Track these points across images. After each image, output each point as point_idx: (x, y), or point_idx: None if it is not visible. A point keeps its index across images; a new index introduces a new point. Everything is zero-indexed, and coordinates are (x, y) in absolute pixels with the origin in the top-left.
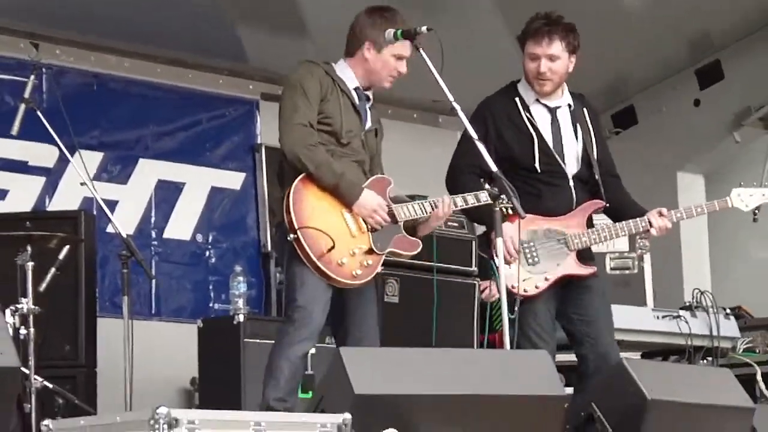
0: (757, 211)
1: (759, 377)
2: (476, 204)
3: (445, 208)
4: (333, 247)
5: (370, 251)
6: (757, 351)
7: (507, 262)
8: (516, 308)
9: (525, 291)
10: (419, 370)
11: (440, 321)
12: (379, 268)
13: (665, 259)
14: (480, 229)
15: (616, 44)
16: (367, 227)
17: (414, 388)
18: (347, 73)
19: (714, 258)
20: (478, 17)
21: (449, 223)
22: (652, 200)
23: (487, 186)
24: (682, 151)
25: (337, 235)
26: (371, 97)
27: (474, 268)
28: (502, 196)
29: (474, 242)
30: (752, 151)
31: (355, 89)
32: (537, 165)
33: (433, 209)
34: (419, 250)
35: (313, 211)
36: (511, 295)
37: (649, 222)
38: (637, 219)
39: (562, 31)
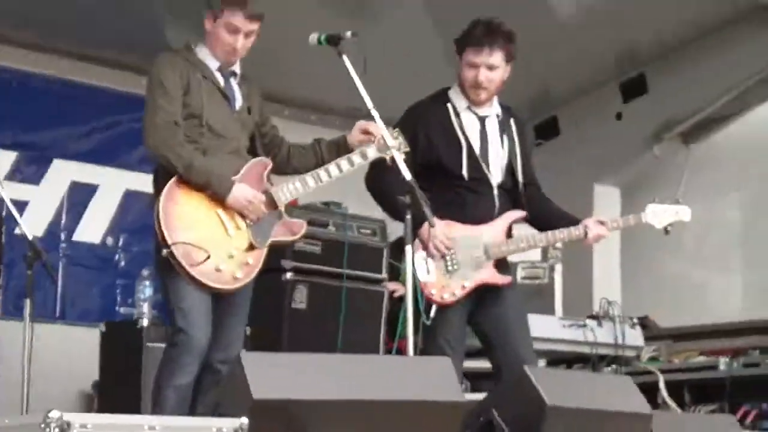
0: (669, 227)
1: (661, 385)
2: (362, 162)
3: (331, 176)
4: (208, 257)
5: (250, 247)
6: (661, 359)
7: (430, 258)
8: (431, 315)
9: (442, 298)
10: (319, 376)
11: (347, 328)
12: (260, 264)
13: (576, 269)
14: (393, 236)
15: (542, 55)
16: (245, 222)
17: (312, 394)
18: (205, 54)
19: (624, 269)
20: (405, 20)
21: (361, 230)
22: (569, 212)
23: (399, 197)
24: (601, 164)
25: (212, 239)
26: (237, 71)
27: (384, 275)
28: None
29: (385, 250)
30: (670, 166)
31: (218, 70)
32: (464, 172)
33: (317, 183)
34: (304, 230)
35: (185, 218)
36: (427, 302)
37: (585, 231)
38: (573, 228)
39: (503, 40)
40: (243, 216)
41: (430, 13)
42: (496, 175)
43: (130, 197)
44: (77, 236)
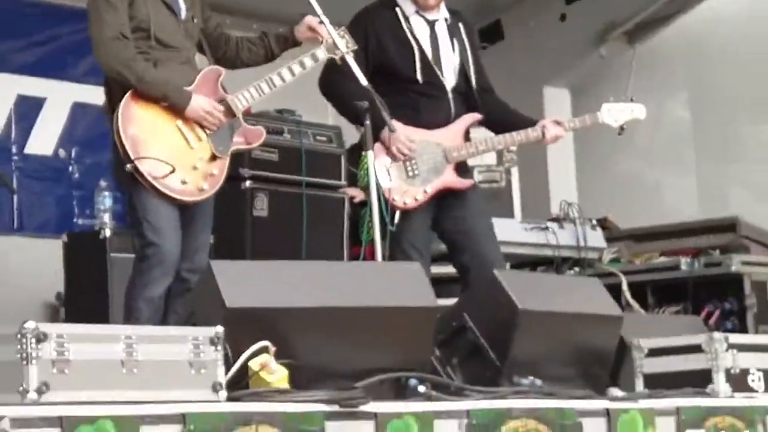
0: (624, 126)
1: (624, 286)
2: (313, 64)
3: (284, 80)
4: (173, 171)
5: (213, 158)
6: (622, 261)
7: (394, 160)
8: (395, 221)
9: (405, 203)
10: (291, 283)
11: (310, 235)
12: (224, 174)
13: (532, 172)
14: (349, 142)
15: None
16: (205, 132)
17: (286, 301)
18: None
19: (580, 170)
20: None
21: (317, 137)
22: None
23: (357, 102)
24: (548, 66)
25: (175, 152)
26: None
27: (343, 182)
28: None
29: (343, 156)
30: (617, 65)
31: None
32: (418, 76)
33: (270, 87)
34: (263, 137)
35: (146, 131)
36: (390, 208)
37: (542, 131)
38: (530, 129)
39: None
40: (202, 126)
41: None
42: (449, 78)
43: (78, 109)
44: (28, 149)
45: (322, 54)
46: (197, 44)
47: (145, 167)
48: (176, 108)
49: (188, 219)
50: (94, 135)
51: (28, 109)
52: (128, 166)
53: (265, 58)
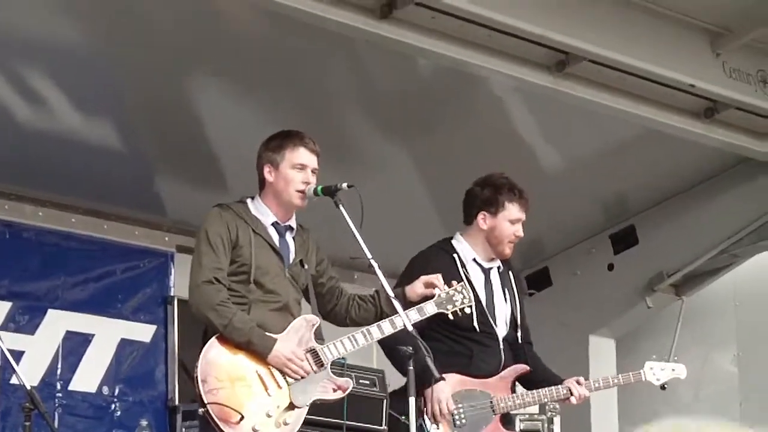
0: (665, 385)
1: None
2: (419, 318)
3: (384, 332)
4: (242, 418)
5: (290, 406)
6: None
7: (436, 422)
8: None
9: None
10: None
11: None
12: (299, 424)
13: (575, 423)
14: (392, 387)
15: (532, 206)
16: (287, 381)
17: None
18: (262, 209)
19: (623, 422)
20: (394, 174)
21: (361, 381)
22: (564, 363)
23: (401, 347)
24: (595, 315)
25: (250, 398)
26: (294, 226)
27: (384, 427)
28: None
29: (385, 401)
30: (664, 316)
31: (273, 224)
32: (476, 324)
33: (367, 339)
34: (350, 389)
35: (224, 376)
36: None
37: (570, 390)
38: (558, 387)
39: None
40: (285, 374)
41: (420, 169)
42: (501, 327)
43: (125, 346)
44: (73, 386)
45: (431, 309)
46: (304, 289)
47: (216, 412)
48: (259, 354)
49: None
50: (139, 373)
51: (76, 346)
52: (200, 410)
53: (375, 316)
